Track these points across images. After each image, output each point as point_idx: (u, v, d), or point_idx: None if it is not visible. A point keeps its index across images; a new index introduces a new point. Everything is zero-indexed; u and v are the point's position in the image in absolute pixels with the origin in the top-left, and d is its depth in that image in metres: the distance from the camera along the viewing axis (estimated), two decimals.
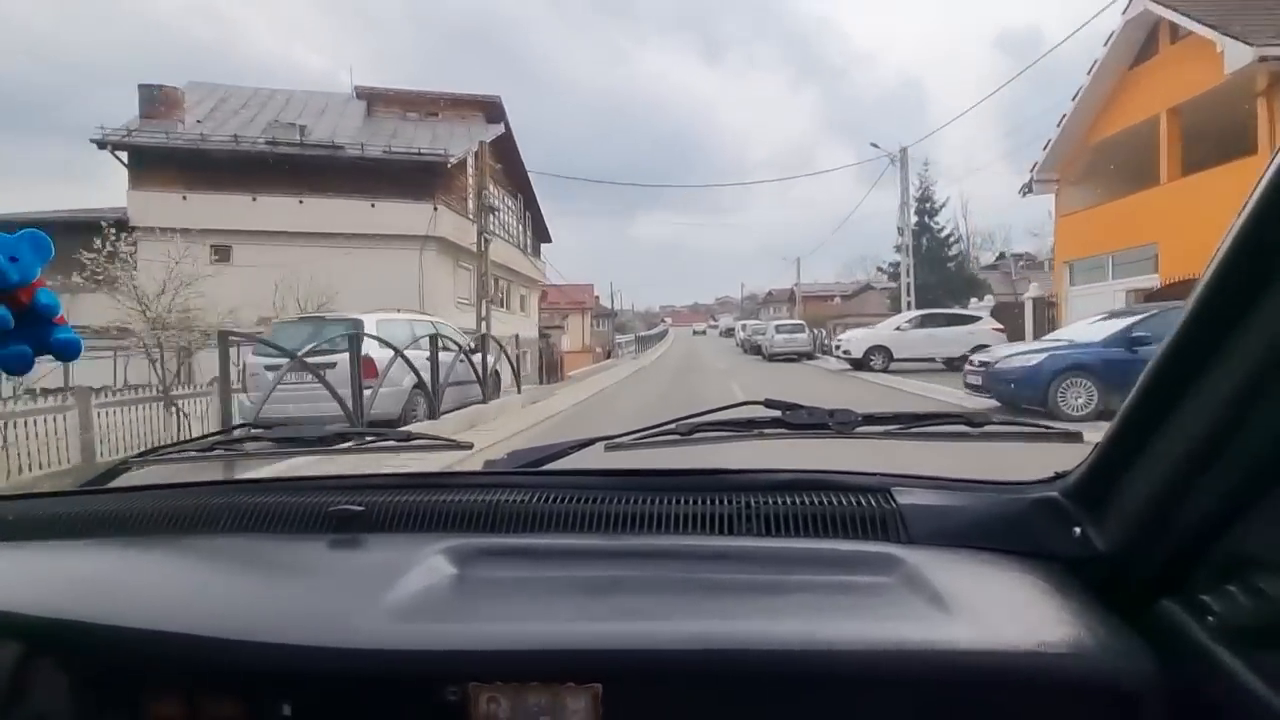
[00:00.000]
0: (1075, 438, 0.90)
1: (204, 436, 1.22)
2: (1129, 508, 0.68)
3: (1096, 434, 0.75)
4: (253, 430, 1.15)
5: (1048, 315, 16.44)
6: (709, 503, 0.91)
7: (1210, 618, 0.57)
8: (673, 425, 1.04)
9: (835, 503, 0.89)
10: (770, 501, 0.90)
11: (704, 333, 72.93)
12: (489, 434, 8.08)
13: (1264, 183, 0.48)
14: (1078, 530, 0.75)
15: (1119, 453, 0.69)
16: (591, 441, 1.08)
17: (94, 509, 1.04)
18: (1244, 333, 0.51)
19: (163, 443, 5.56)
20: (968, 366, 9.81)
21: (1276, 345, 0.50)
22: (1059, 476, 0.82)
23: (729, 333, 55.01)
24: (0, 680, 0.75)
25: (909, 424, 0.99)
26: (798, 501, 0.89)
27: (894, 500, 0.88)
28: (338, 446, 1.14)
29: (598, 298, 52.33)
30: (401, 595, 0.75)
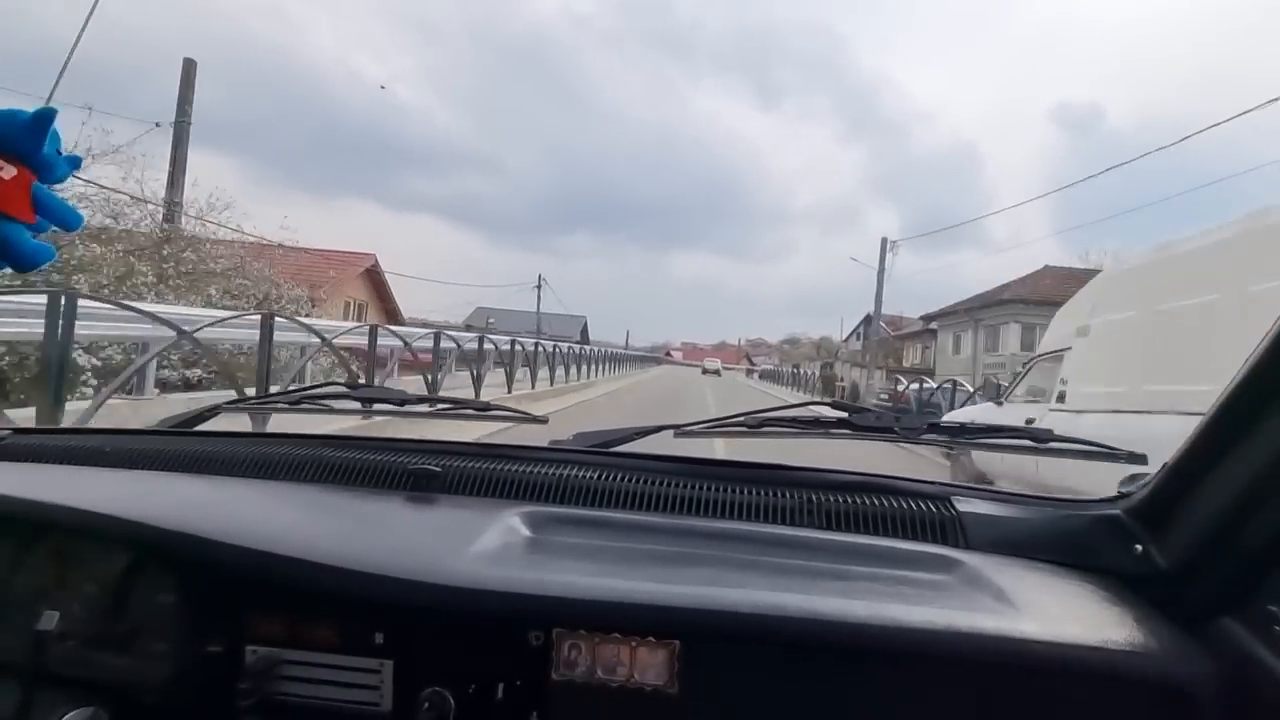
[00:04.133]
0: (1140, 459, 0.92)
1: (292, 390, 1.29)
2: (1194, 527, 0.71)
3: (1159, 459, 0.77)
4: (339, 388, 1.22)
5: None
6: (773, 495, 0.95)
7: (1277, 627, 0.59)
8: (742, 418, 1.08)
9: (896, 505, 0.92)
10: (832, 499, 0.93)
11: (717, 373, 52.12)
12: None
13: None
14: (1139, 548, 0.77)
15: (1187, 473, 0.72)
16: (661, 428, 1.12)
17: (185, 448, 1.11)
18: None
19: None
20: None
21: None
22: (1122, 496, 0.84)
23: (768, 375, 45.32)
24: (110, 588, 0.80)
25: (975, 435, 1.02)
26: (859, 501, 0.93)
27: (954, 508, 0.91)
28: (418, 409, 1.20)
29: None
30: (484, 546, 0.80)
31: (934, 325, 31.34)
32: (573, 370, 19.17)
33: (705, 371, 52.88)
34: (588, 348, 26.03)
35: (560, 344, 19.18)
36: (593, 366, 22.76)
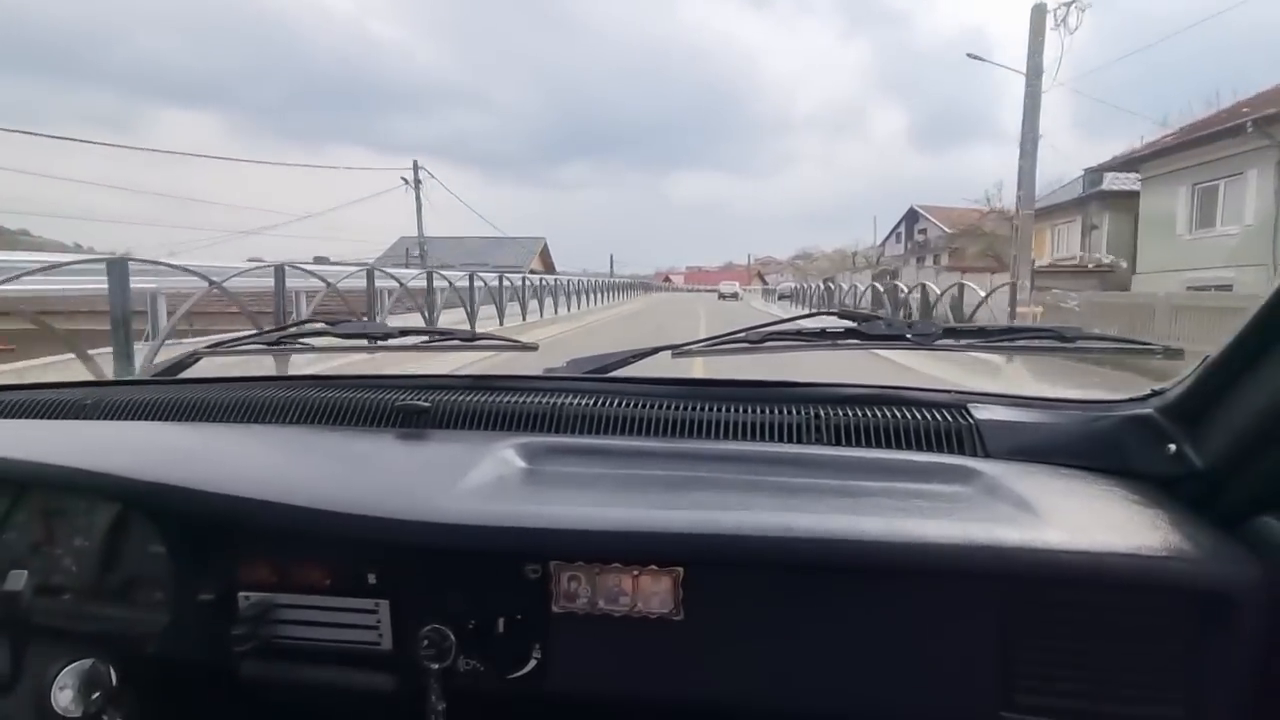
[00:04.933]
0: (1177, 354, 0.86)
1: (271, 330, 1.24)
2: (1233, 424, 0.66)
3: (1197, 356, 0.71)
4: (320, 325, 1.16)
5: None
6: (777, 412, 0.90)
7: None
8: (742, 334, 1.02)
9: (908, 416, 0.87)
10: (840, 413, 0.88)
11: (738, 296, 41.55)
12: None
13: None
14: (1173, 447, 0.72)
15: (1227, 370, 0.66)
16: (657, 350, 1.07)
17: (167, 396, 1.07)
18: None
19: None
20: None
21: None
22: (1155, 394, 0.79)
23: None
24: (97, 542, 0.79)
25: (994, 337, 0.96)
26: (869, 414, 0.88)
27: (970, 416, 0.86)
28: (403, 342, 1.15)
29: None
30: (477, 481, 0.76)
31: (1133, 179, 15.41)
32: (519, 308, 14.98)
33: (722, 296, 41.10)
34: (544, 278, 19.41)
35: (505, 276, 15.10)
36: (553, 301, 17.46)
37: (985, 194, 27.40)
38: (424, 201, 27.86)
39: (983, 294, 10.88)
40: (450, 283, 11.97)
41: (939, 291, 12.66)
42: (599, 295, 26.24)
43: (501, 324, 13.04)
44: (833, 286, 24.03)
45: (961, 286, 12.15)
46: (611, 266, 63.71)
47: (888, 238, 43.58)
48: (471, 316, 11.81)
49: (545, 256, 42.62)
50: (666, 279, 78.73)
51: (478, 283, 12.82)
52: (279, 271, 7.17)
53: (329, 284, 8.09)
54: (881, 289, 16.80)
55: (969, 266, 19.77)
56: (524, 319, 14.41)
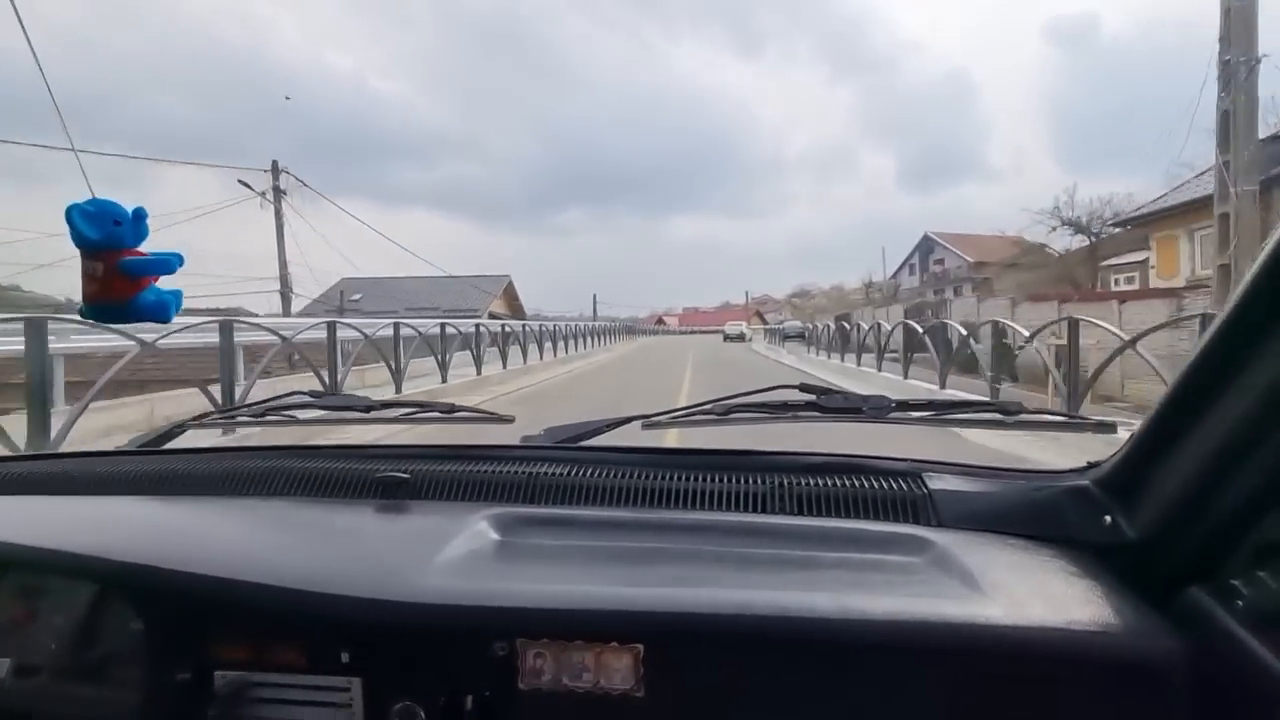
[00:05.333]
0: (1109, 428, 0.92)
1: (257, 403, 1.27)
2: (1161, 496, 0.70)
3: (1129, 427, 0.76)
4: (304, 398, 1.20)
5: None
6: (742, 481, 0.94)
7: (1239, 602, 0.58)
8: (709, 405, 1.07)
9: (866, 485, 0.91)
10: (802, 482, 0.93)
11: (744, 338, 37.79)
12: None
13: None
14: (1108, 518, 0.77)
15: (1154, 442, 0.71)
16: (628, 420, 1.11)
17: (152, 468, 1.09)
18: None
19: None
20: None
21: None
22: (1091, 466, 0.84)
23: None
24: (75, 621, 0.80)
25: (942, 411, 1.01)
26: (829, 483, 0.92)
27: (925, 485, 0.90)
28: (385, 415, 1.18)
29: None
30: (450, 556, 0.79)
31: None
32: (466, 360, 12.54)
33: (728, 338, 37.45)
34: (503, 325, 16.60)
35: (456, 324, 12.64)
36: (500, 351, 14.40)
37: (1054, 202, 22.24)
38: (361, 235, 24.25)
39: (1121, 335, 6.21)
40: (365, 334, 10.02)
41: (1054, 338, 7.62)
42: (564, 343, 21.55)
43: (444, 380, 10.99)
44: (847, 326, 18.01)
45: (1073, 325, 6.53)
46: (595, 308, 59.77)
47: (900, 269, 40.38)
48: (397, 375, 9.87)
49: (511, 298, 37.92)
50: (660, 321, 75.27)
51: (407, 331, 10.66)
52: (225, 328, 6.59)
53: (283, 338, 7.82)
54: (920, 329, 11.75)
55: (1040, 295, 15.65)
56: (478, 373, 12.39)
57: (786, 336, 29.66)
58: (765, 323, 54.10)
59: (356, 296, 27.10)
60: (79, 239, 0.96)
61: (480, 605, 0.71)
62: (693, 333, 60.30)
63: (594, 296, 62.97)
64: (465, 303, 29.42)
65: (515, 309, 36.92)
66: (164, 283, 1.04)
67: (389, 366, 10.01)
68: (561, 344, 21.11)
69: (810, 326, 27.93)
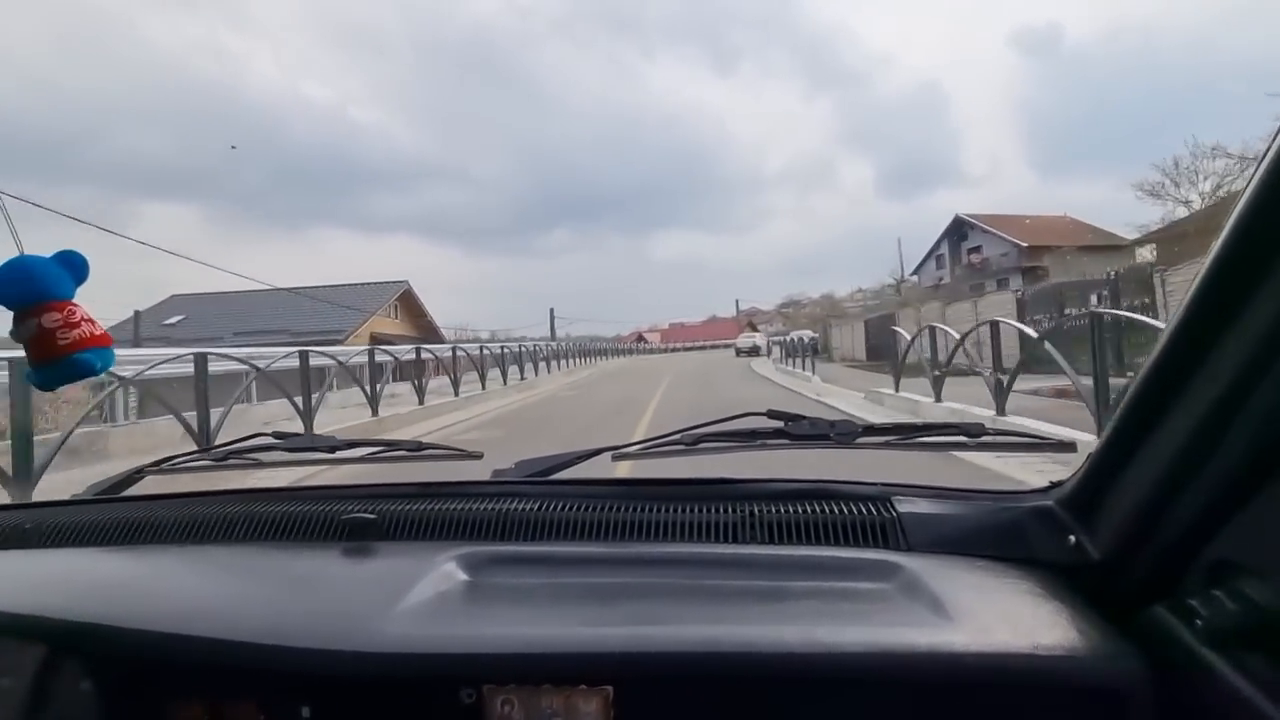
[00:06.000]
0: (1069, 448, 0.93)
1: (218, 446, 1.25)
2: (1120, 516, 0.71)
3: (1091, 445, 0.77)
4: (266, 439, 1.18)
5: None
6: (713, 511, 0.93)
7: (1198, 621, 0.59)
8: (678, 436, 1.07)
9: (836, 511, 0.91)
10: (773, 510, 0.92)
11: (758, 352, 32.39)
12: None
13: (1249, 195, 0.49)
14: (1072, 539, 0.77)
15: (1109, 462, 0.71)
16: (598, 451, 1.11)
17: (110, 516, 1.06)
18: (1229, 344, 0.53)
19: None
20: None
21: (1259, 357, 0.52)
22: (1054, 486, 0.85)
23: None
24: (25, 682, 0.77)
25: (908, 434, 1.02)
26: (800, 510, 0.92)
27: (894, 509, 0.90)
28: (350, 455, 1.16)
29: None
30: (416, 601, 0.77)
31: None
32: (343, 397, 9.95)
33: (740, 352, 32.98)
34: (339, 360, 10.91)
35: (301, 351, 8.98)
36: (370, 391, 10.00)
37: (1161, 172, 18.47)
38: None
39: None
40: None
41: None
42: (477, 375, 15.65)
43: (309, 426, 8.01)
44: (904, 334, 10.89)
45: None
46: (553, 325, 49.97)
47: (925, 260, 34.18)
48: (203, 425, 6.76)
49: (412, 311, 28.51)
50: (640, 338, 65.99)
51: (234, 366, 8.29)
52: (200, 361, 6.33)
53: (257, 369, 7.60)
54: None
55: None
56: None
57: (789, 353, 21.37)
58: (756, 330, 47.05)
59: (173, 320, 21.06)
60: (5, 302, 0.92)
61: (445, 653, 0.69)
62: (674, 350, 53.95)
63: (551, 311, 53.01)
64: (329, 324, 22.14)
65: (421, 327, 28.25)
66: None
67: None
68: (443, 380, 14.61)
69: (815, 336, 24.82)
